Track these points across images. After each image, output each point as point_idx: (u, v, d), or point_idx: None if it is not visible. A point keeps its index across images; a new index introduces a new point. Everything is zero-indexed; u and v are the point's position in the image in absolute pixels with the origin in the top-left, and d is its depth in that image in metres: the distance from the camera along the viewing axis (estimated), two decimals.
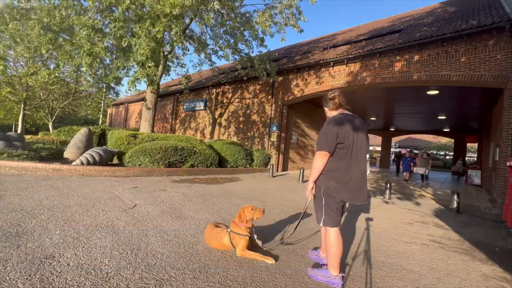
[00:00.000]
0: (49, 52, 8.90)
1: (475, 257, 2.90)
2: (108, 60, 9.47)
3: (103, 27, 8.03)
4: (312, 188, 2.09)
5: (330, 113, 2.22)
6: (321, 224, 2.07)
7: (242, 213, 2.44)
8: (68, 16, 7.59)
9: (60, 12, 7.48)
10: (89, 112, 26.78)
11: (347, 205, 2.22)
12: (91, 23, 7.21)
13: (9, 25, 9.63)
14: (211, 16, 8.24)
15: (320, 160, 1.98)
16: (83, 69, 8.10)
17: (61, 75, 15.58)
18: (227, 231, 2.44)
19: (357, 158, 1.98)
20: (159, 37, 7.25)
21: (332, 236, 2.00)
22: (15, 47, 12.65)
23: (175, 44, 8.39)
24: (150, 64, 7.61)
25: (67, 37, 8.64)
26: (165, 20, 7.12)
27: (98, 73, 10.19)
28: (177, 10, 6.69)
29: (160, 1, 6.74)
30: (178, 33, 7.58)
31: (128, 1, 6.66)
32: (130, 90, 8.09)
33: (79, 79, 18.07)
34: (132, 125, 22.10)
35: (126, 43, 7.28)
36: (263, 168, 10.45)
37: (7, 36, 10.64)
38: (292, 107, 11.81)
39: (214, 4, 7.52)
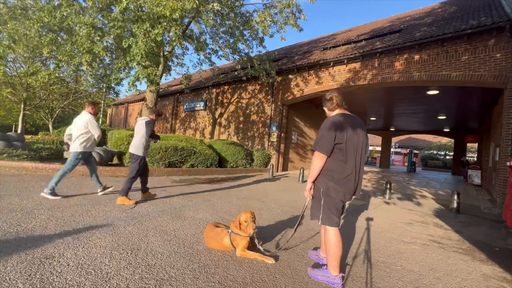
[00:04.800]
0: (51, 53, 8.87)
1: (475, 257, 2.90)
2: (107, 60, 9.44)
3: (102, 26, 8.01)
4: (311, 189, 2.09)
5: (329, 113, 2.22)
6: (320, 223, 2.07)
7: (237, 222, 2.45)
8: (68, 15, 7.57)
9: (61, 13, 7.46)
10: None
11: (346, 204, 2.22)
12: (91, 21, 7.20)
13: (8, 25, 9.60)
14: (210, 17, 8.21)
15: (318, 161, 1.99)
16: (84, 68, 8.05)
17: (61, 75, 15.52)
18: (228, 231, 2.43)
19: (355, 158, 1.98)
20: (158, 39, 7.21)
21: (332, 236, 2.00)
22: (14, 47, 12.60)
23: (174, 44, 8.38)
24: (144, 64, 7.56)
25: (67, 37, 8.62)
26: (164, 23, 7.10)
27: (98, 73, 10.15)
28: (177, 14, 6.66)
29: (159, 5, 6.71)
30: (178, 34, 7.57)
31: (126, 2, 6.62)
32: (130, 90, 8.05)
33: (79, 79, 18.04)
34: (132, 125, 22.09)
35: (127, 44, 7.27)
36: (263, 168, 10.45)
37: (6, 36, 10.60)
38: (292, 107, 11.79)
39: (214, 5, 7.50)
